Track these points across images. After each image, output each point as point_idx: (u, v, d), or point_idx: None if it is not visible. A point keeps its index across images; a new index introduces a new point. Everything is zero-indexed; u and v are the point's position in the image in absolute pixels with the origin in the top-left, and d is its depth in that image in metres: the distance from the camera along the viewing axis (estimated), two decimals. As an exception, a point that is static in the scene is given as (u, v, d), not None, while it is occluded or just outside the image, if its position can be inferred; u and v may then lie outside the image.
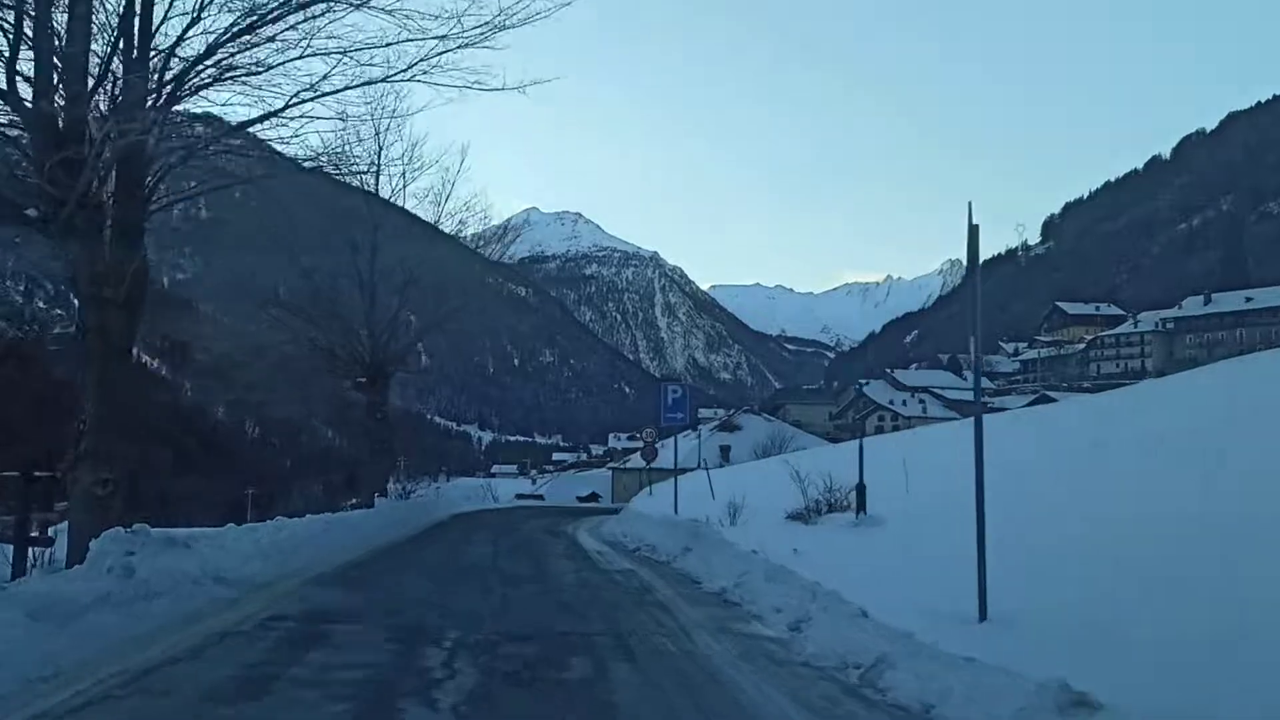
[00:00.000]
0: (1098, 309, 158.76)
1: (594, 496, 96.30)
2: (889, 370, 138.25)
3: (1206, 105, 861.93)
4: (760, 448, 78.34)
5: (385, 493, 36.38)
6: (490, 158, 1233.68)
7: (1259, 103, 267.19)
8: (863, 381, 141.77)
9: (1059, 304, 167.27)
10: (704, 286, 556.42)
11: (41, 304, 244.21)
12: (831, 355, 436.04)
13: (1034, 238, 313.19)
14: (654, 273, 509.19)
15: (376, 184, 34.37)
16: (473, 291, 44.70)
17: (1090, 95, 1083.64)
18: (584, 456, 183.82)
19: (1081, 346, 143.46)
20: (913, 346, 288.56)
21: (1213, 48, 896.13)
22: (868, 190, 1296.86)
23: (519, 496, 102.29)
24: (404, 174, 42.01)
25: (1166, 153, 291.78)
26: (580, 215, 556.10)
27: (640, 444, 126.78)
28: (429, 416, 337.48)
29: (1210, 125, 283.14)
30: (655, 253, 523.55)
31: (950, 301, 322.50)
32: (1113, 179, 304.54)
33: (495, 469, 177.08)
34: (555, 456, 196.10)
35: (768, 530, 18.82)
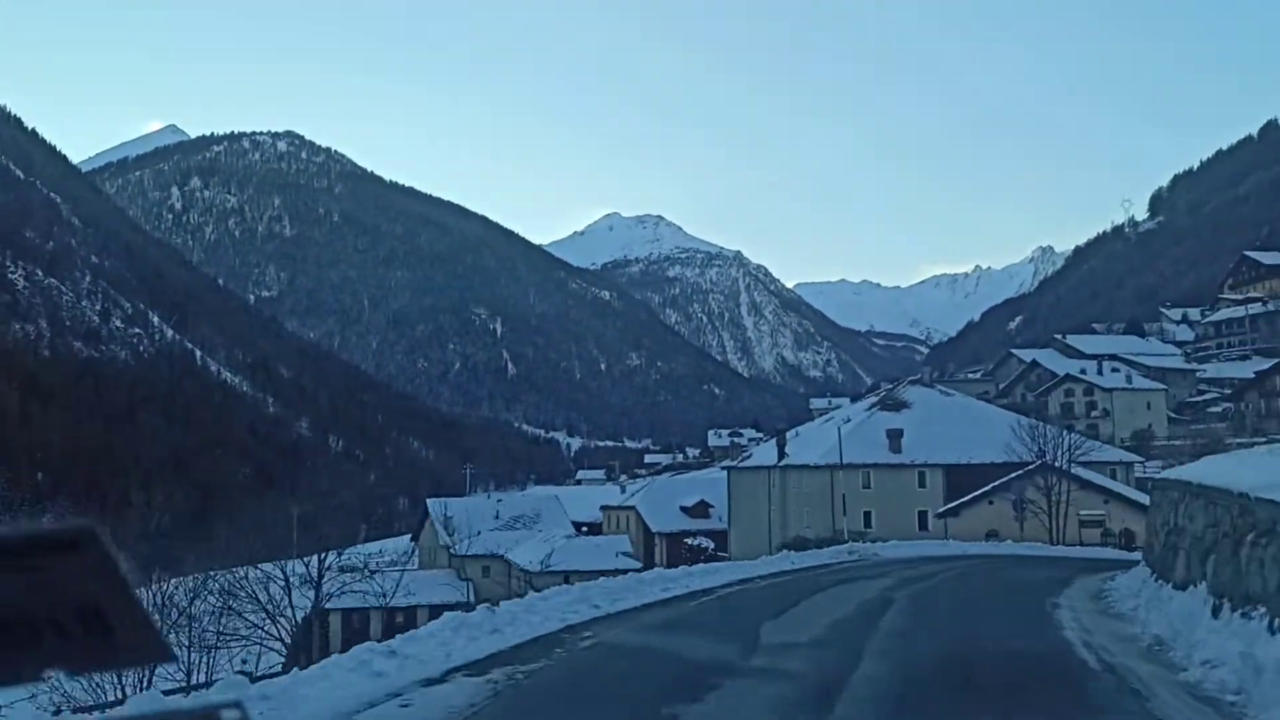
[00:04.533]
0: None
1: (703, 507, 75.34)
2: (1060, 336, 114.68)
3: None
4: (944, 429, 56.95)
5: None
6: (572, 164, 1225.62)
7: None
8: (1016, 352, 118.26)
9: (1249, 254, 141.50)
10: (789, 284, 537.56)
11: (119, 323, 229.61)
12: (923, 348, 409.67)
13: (1140, 214, 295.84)
14: (738, 272, 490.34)
15: None
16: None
17: (1195, 65, 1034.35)
18: (679, 458, 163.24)
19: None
20: (1018, 332, 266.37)
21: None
22: (952, 180, 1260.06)
23: (606, 510, 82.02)
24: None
25: None
26: (661, 218, 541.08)
27: (751, 440, 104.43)
28: (516, 424, 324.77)
29: None
30: (739, 252, 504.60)
31: (1056, 283, 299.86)
32: (1224, 148, 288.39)
33: (581, 475, 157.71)
34: (647, 459, 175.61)
35: None
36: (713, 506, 74.86)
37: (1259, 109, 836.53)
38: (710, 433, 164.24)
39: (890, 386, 70.57)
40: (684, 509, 75.94)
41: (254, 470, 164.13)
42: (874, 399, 69.53)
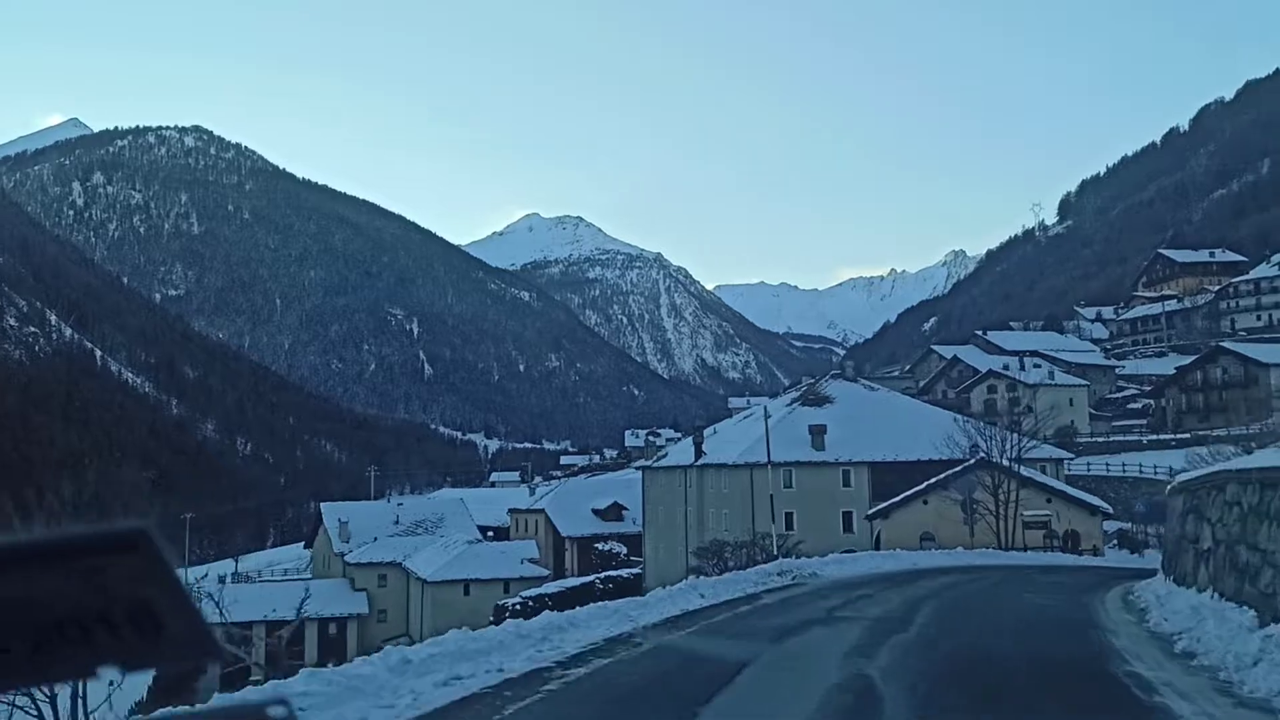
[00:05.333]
0: (1212, 255, 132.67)
1: (616, 510, 70.47)
2: (980, 332, 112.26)
3: (1221, 77, 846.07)
4: (870, 425, 53.07)
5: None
6: (491, 164, 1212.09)
7: (1277, 69, 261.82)
8: (937, 348, 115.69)
9: (1163, 252, 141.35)
10: (709, 287, 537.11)
11: (13, 321, 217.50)
12: (840, 350, 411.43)
13: (1050, 218, 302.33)
14: (658, 274, 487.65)
15: None
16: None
17: (1098, 76, 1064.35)
18: (596, 459, 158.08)
19: (1206, 299, 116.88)
20: (933, 333, 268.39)
21: (1223, 20, 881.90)
22: (867, 185, 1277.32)
23: (514, 513, 76.51)
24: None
25: (1184, 124, 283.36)
26: (581, 219, 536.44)
27: (669, 440, 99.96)
28: (433, 426, 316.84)
29: (1229, 95, 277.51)
30: (659, 254, 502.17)
31: (969, 286, 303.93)
32: (1129, 154, 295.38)
33: (495, 477, 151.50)
34: (564, 460, 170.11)
35: None
36: (626, 509, 70.04)
37: (1162, 117, 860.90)
38: (627, 433, 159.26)
39: (812, 381, 66.48)
40: (596, 512, 70.95)
41: (155, 474, 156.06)
42: (795, 394, 65.29)
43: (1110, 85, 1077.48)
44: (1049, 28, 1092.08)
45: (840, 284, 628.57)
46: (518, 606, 42.25)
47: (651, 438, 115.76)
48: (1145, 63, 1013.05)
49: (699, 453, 58.54)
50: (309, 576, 76.90)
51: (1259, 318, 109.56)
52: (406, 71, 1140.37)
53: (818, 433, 54.64)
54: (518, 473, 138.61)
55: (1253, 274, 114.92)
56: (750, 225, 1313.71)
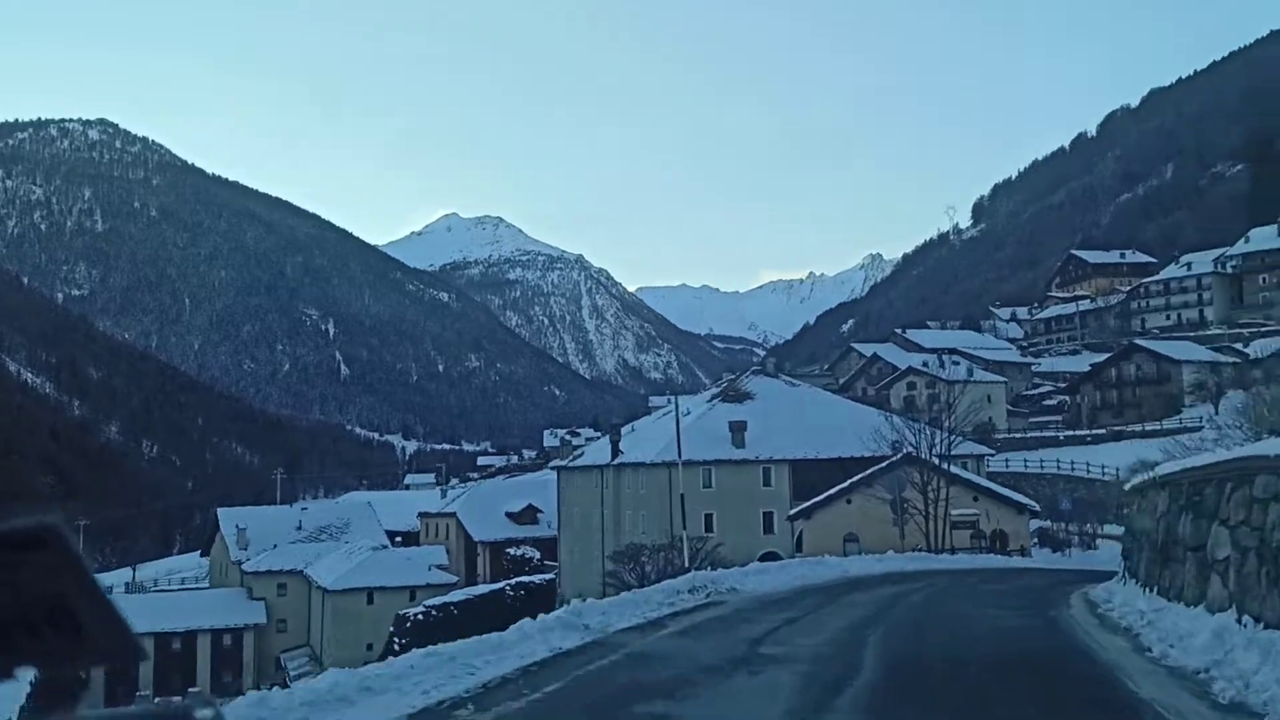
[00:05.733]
0: (1122, 256, 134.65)
1: (531, 512, 67.63)
2: (899, 331, 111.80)
3: (1127, 84, 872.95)
4: (792, 422, 51.17)
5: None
6: (409, 163, 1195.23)
7: (1179, 79, 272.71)
8: (856, 346, 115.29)
9: (1076, 253, 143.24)
10: (631, 288, 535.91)
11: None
12: (760, 351, 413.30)
13: (964, 221, 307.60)
14: (580, 275, 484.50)
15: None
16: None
17: (1010, 81, 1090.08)
18: (514, 460, 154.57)
19: (1119, 298, 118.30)
20: (851, 335, 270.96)
21: (1129, 29, 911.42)
22: (787, 189, 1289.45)
23: (424, 517, 72.83)
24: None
25: (1092, 130, 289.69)
26: (502, 219, 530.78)
27: (589, 439, 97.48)
28: (349, 427, 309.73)
29: (1134, 102, 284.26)
30: (580, 255, 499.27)
31: (886, 288, 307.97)
32: (1040, 158, 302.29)
33: (410, 479, 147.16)
34: (481, 462, 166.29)
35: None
36: (542, 511, 67.32)
37: (1070, 122, 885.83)
38: (546, 433, 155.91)
39: (733, 377, 64.46)
40: (510, 515, 68.10)
41: (56, 478, 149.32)
42: (715, 390, 63.18)
43: (1021, 90, 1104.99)
44: (961, 34, 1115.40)
45: (761, 286, 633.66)
46: (420, 616, 39.43)
47: (571, 437, 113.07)
48: (1055, 69, 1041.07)
49: (615, 451, 56.07)
50: (206, 586, 72.77)
51: (1168, 317, 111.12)
52: (323, 66, 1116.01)
53: (738, 430, 52.58)
54: (434, 475, 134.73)
55: (1162, 275, 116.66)
56: (672, 227, 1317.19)
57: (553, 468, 67.62)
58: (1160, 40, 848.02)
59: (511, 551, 56.78)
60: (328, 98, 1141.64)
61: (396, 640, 38.66)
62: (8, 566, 0.90)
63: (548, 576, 47.65)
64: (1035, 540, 48.67)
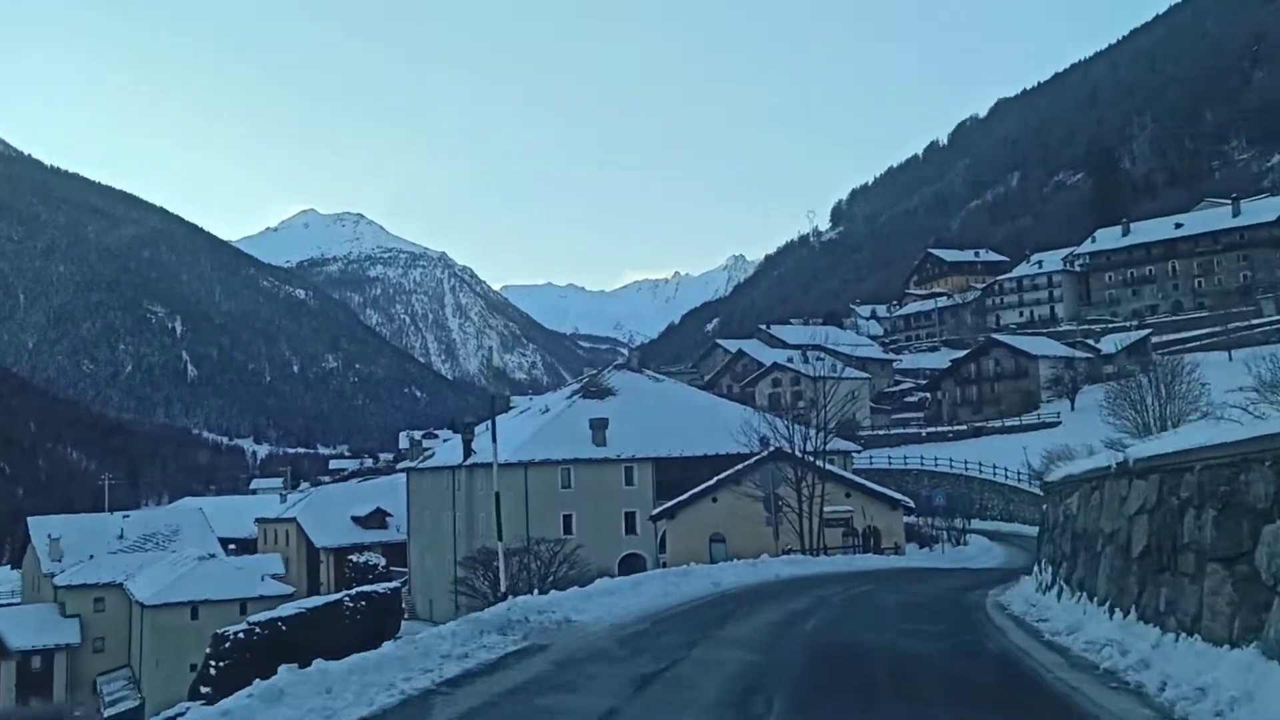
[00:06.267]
0: (977, 254, 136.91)
1: (379, 516, 62.97)
2: (764, 326, 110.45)
3: (976, 95, 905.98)
4: (656, 419, 48.37)
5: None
6: (265, 157, 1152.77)
7: (1024, 90, 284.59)
8: (722, 342, 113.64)
9: (933, 251, 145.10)
10: (496, 287, 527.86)
11: None
12: (625, 350, 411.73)
13: (824, 224, 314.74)
14: (443, 273, 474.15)
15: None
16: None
17: (867, 89, 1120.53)
18: (369, 463, 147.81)
19: (974, 296, 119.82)
20: (715, 333, 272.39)
21: (980, 41, 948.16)
22: (653, 190, 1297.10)
23: (262, 523, 67.01)
24: None
25: (944, 138, 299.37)
26: (362, 216, 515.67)
27: (445, 441, 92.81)
28: (197, 431, 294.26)
29: (982, 112, 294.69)
30: (444, 253, 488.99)
31: (749, 288, 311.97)
32: (895, 165, 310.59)
33: (256, 484, 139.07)
34: (334, 465, 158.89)
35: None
36: (391, 515, 62.78)
37: (924, 131, 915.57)
38: (402, 435, 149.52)
39: (595, 372, 61.24)
40: (357, 519, 63.29)
41: None
42: (576, 385, 59.84)
43: (878, 98, 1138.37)
44: (818, 43, 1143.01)
45: (626, 286, 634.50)
46: (242, 636, 34.67)
47: (427, 439, 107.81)
48: (910, 80, 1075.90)
49: (468, 451, 52.16)
50: (19, 601, 65.48)
51: (1021, 314, 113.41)
52: (172, 55, 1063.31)
53: (599, 427, 49.40)
54: (280, 479, 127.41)
55: (1016, 272, 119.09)
56: (538, 226, 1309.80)
57: (401, 469, 63.11)
58: (1008, 53, 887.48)
59: (354, 559, 52.21)
60: (177, 88, 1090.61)
61: (213, 664, 33.95)
62: None
63: (393, 585, 43.47)
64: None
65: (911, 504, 40.16)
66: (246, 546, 67.82)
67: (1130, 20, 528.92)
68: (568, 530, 47.46)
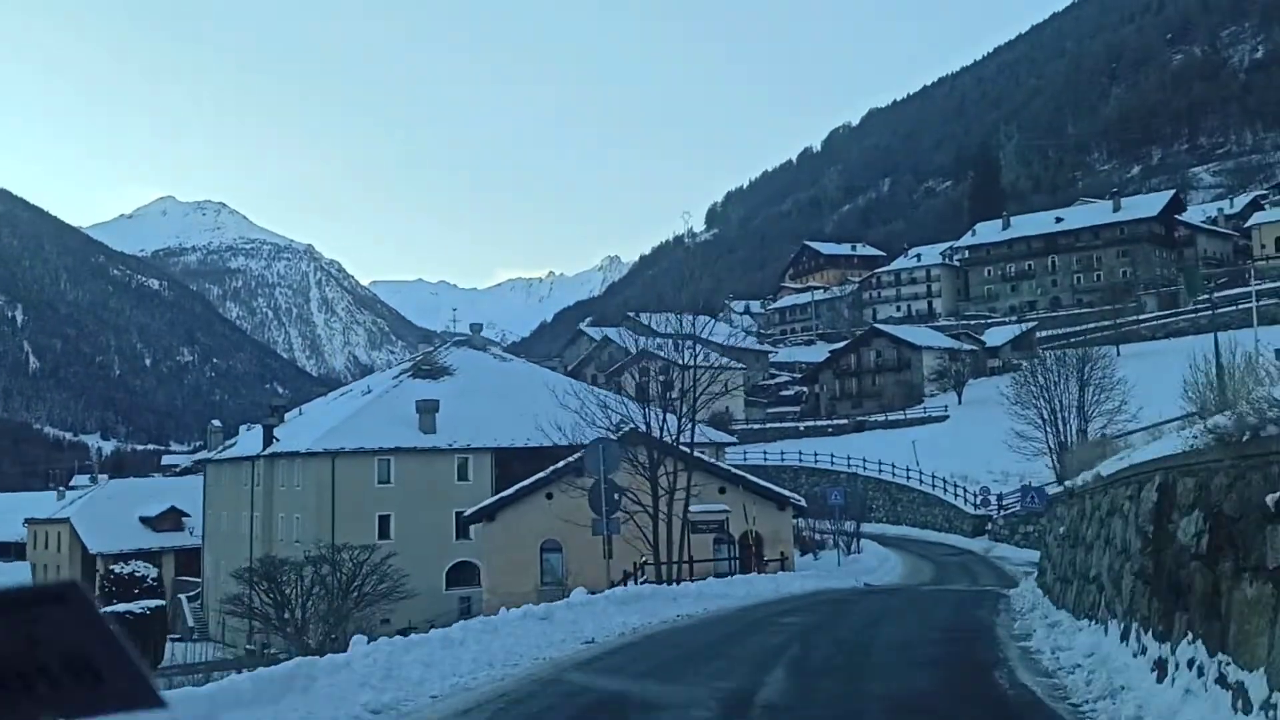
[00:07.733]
0: (854, 248, 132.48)
1: (175, 516, 52.45)
2: (632, 314, 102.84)
3: (848, 105, 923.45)
4: (499, 403, 39.74)
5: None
6: (119, 140, 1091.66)
7: (895, 101, 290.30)
8: (587, 330, 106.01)
9: (810, 244, 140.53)
10: (365, 282, 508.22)
11: None
12: (498, 348, 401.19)
13: (699, 226, 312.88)
14: (309, 266, 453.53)
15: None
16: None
17: (744, 93, 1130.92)
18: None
19: (851, 289, 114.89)
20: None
21: (850, 54, 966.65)
22: (529, 189, 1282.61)
23: (33, 524, 55.69)
24: None
25: (817, 145, 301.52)
26: (224, 205, 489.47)
27: (242, 428, 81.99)
28: (37, 425, 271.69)
29: (854, 120, 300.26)
30: (310, 246, 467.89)
31: (623, 287, 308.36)
32: (770, 169, 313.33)
33: (77, 480, 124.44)
34: (166, 461, 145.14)
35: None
36: (188, 515, 52.51)
37: (798, 137, 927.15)
38: (243, 428, 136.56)
39: (430, 349, 52.22)
40: (146, 521, 52.67)
41: None
42: (408, 363, 50.66)
43: (754, 103, 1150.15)
44: (694, 44, 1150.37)
45: (499, 284, 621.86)
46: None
47: (247, 429, 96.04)
48: (785, 87, 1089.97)
49: (269, 438, 42.49)
50: None
51: (899, 308, 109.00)
52: (18, 25, 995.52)
53: (428, 410, 40.43)
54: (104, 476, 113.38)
55: (894, 265, 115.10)
56: (408, 222, 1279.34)
57: (198, 461, 52.95)
58: (879, 66, 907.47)
59: (116, 569, 41.92)
60: (25, 63, 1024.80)
61: None
62: (29, 621, 0.95)
63: (158, 603, 33.96)
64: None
65: (803, 503, 32.74)
66: (16, 551, 56.31)
67: (995, 37, 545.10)
68: (385, 534, 38.52)
